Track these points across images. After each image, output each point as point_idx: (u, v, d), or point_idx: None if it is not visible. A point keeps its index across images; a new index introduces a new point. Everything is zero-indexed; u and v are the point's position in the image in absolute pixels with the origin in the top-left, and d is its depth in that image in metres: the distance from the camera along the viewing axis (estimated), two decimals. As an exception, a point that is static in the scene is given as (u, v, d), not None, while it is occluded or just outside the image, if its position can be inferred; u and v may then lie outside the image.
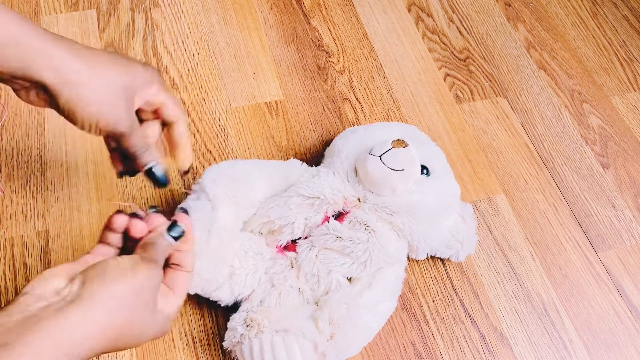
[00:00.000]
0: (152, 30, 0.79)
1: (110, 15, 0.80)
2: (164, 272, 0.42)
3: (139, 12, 0.81)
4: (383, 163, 0.55)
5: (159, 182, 0.48)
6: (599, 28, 0.85)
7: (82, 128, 0.43)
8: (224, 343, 0.52)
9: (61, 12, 0.80)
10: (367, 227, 0.55)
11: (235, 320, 0.51)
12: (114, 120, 0.43)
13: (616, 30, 0.85)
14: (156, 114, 0.48)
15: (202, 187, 0.55)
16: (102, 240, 0.44)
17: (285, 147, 0.70)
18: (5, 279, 0.58)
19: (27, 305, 0.35)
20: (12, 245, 0.60)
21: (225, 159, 0.68)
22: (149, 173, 0.48)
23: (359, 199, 0.57)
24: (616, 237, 0.66)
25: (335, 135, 0.69)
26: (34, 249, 0.60)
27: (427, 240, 0.57)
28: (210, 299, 0.54)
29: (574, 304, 0.61)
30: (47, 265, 0.59)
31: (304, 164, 0.61)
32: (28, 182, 0.65)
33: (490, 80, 0.79)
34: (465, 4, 0.87)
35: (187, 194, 0.57)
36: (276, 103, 0.74)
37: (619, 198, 0.69)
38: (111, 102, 0.43)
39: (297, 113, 0.73)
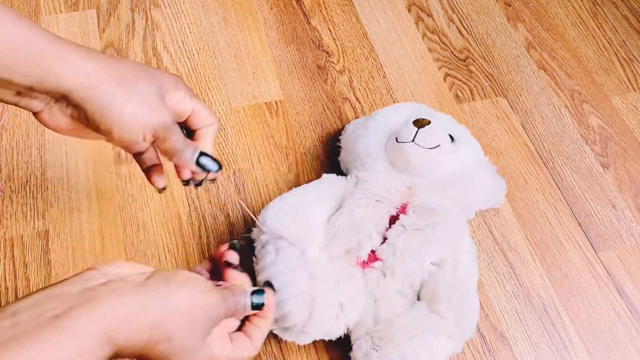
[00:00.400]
0: (152, 30, 0.79)
1: (110, 15, 0.80)
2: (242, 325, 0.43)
3: (139, 12, 0.81)
4: (419, 145, 0.57)
5: (212, 167, 0.45)
6: (599, 28, 0.85)
7: (119, 135, 0.40)
8: None
9: (61, 12, 0.80)
10: (433, 209, 0.56)
11: (362, 348, 0.51)
12: (158, 113, 0.41)
13: (616, 30, 0.85)
14: (186, 123, 0.46)
15: (273, 234, 0.53)
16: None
17: (285, 147, 0.70)
18: (5, 279, 0.58)
19: (90, 280, 0.35)
20: (12, 245, 0.60)
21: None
22: (201, 163, 0.45)
23: (409, 187, 0.57)
24: (616, 237, 0.66)
25: (334, 134, 0.70)
26: (34, 249, 0.60)
27: (477, 199, 0.61)
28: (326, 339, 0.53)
29: (574, 304, 0.61)
30: (47, 265, 0.59)
31: (337, 175, 0.60)
32: (28, 182, 0.65)
33: (490, 80, 0.79)
34: (465, 4, 0.87)
35: (251, 218, 0.55)
36: (276, 103, 0.74)
37: (619, 198, 0.69)
38: (146, 99, 0.41)
39: (297, 113, 0.73)
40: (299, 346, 0.52)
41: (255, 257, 0.53)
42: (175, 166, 0.48)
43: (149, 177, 0.49)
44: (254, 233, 0.55)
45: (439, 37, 0.83)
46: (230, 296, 0.40)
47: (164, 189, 0.50)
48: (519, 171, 0.70)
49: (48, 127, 0.42)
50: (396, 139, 0.58)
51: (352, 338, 0.52)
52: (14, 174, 0.65)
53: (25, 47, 0.37)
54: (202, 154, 0.45)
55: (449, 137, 0.59)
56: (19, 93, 0.39)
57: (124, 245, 0.61)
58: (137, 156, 0.49)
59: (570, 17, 0.87)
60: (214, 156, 0.46)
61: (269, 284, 0.45)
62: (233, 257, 0.45)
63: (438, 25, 0.84)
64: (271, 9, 0.84)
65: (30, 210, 0.63)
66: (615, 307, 0.61)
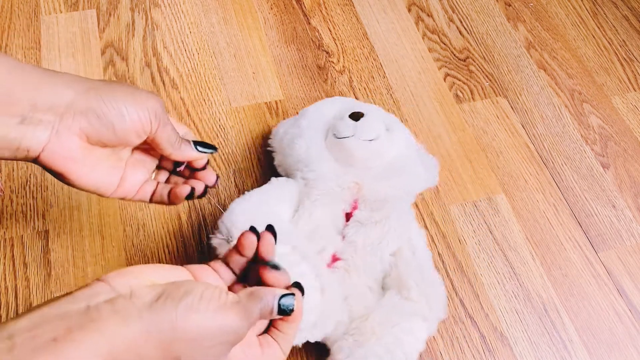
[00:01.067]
0: (152, 30, 0.79)
1: (110, 15, 0.80)
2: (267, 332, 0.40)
3: (139, 12, 0.81)
4: (360, 139, 0.57)
5: (210, 147, 0.48)
6: (599, 28, 0.85)
7: (130, 120, 0.41)
8: None
9: (61, 12, 0.80)
10: (383, 200, 0.56)
11: (344, 348, 0.50)
12: (150, 97, 0.42)
13: (616, 30, 0.85)
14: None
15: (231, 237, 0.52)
16: (226, 260, 0.41)
17: (285, 147, 0.70)
18: (5, 279, 0.58)
19: (96, 294, 0.33)
20: (12, 245, 0.60)
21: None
22: (200, 149, 0.47)
23: (356, 182, 0.58)
24: (616, 237, 0.66)
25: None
26: (34, 249, 0.60)
27: (418, 180, 0.61)
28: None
29: (574, 304, 0.61)
30: (47, 265, 0.59)
31: (286, 178, 0.60)
32: (28, 182, 0.65)
33: (490, 80, 0.79)
34: (465, 4, 0.87)
35: (218, 207, 0.55)
36: (276, 103, 0.74)
37: (619, 198, 0.69)
38: (138, 92, 0.42)
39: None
40: (299, 346, 0.52)
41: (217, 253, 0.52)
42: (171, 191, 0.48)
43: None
44: (215, 240, 0.53)
45: (439, 37, 0.83)
46: (255, 303, 0.36)
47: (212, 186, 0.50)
48: (519, 171, 0.70)
49: (57, 160, 0.40)
50: (334, 135, 0.58)
51: (330, 342, 0.52)
52: (14, 174, 0.65)
53: (23, 74, 0.38)
54: (196, 142, 0.47)
55: (384, 126, 0.60)
56: (22, 121, 0.38)
57: (124, 245, 0.61)
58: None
59: (570, 17, 0.87)
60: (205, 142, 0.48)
61: (298, 285, 0.40)
62: (270, 248, 0.40)
63: (438, 25, 0.84)
64: (271, 9, 0.84)
65: (30, 210, 0.63)
66: (615, 307, 0.61)
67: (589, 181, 0.70)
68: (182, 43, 0.78)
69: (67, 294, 0.33)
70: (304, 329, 0.49)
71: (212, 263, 0.41)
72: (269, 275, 0.39)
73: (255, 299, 0.36)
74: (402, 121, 0.73)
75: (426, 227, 0.65)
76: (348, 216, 0.56)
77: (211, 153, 0.48)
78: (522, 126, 0.74)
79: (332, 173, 0.58)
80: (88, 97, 0.40)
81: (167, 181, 0.50)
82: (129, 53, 0.76)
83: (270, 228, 0.41)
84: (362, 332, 0.50)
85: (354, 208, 0.57)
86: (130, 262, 0.60)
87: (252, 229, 0.41)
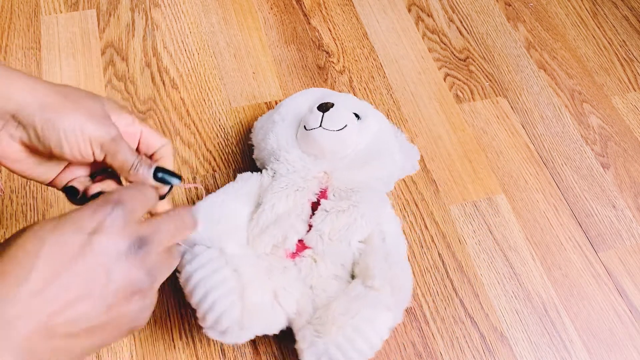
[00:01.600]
0: (152, 30, 0.79)
1: (110, 15, 0.80)
2: None
3: (139, 12, 0.81)
4: (327, 129, 0.57)
5: (172, 181, 0.43)
6: (599, 28, 0.85)
7: (70, 149, 0.39)
8: None
9: (61, 12, 0.80)
10: (352, 189, 0.56)
11: (306, 337, 0.50)
12: (103, 125, 0.40)
13: (616, 30, 0.85)
14: (138, 148, 0.45)
15: (187, 243, 0.52)
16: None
17: (285, 147, 0.70)
18: (5, 279, 0.58)
19: None
20: (12, 245, 0.60)
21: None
22: (159, 179, 0.43)
23: (325, 172, 0.58)
24: (616, 237, 0.66)
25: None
26: (34, 249, 0.60)
27: (394, 167, 0.62)
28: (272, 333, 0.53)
29: (574, 304, 0.61)
30: (47, 265, 0.59)
31: (251, 172, 0.60)
32: (28, 182, 0.65)
33: (490, 80, 0.79)
34: (465, 4, 0.87)
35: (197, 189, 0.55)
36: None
37: (619, 198, 0.69)
38: (92, 113, 0.40)
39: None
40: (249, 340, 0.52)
41: (177, 272, 0.51)
42: None
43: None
44: (181, 249, 0.52)
45: (439, 37, 0.83)
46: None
47: None
48: (519, 171, 0.70)
49: (2, 159, 0.40)
50: (304, 127, 0.59)
51: (295, 330, 0.52)
52: (14, 174, 0.65)
53: None
54: (158, 168, 0.43)
55: (354, 115, 0.60)
56: None
57: (124, 245, 0.61)
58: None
59: (570, 17, 0.87)
60: (172, 170, 0.44)
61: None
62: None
63: (438, 25, 0.84)
64: (271, 9, 0.84)
65: (30, 210, 0.63)
66: (615, 307, 0.61)
67: (589, 181, 0.70)
68: (182, 43, 0.78)
69: None
70: (227, 331, 0.49)
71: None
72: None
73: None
74: (402, 121, 0.73)
75: (426, 227, 0.65)
76: (315, 206, 0.57)
77: (169, 186, 0.44)
78: (522, 126, 0.74)
79: (299, 164, 0.58)
80: (35, 114, 0.38)
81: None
82: (129, 53, 0.76)
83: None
84: (323, 322, 0.50)
85: (322, 197, 0.57)
86: (130, 262, 0.60)
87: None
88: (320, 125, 0.58)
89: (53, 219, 0.33)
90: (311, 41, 0.81)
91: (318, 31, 0.82)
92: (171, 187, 0.44)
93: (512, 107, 0.76)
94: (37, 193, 0.64)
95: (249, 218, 0.56)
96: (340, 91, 0.75)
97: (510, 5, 0.87)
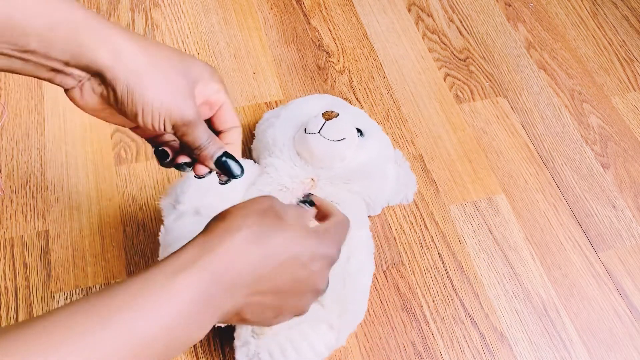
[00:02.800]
0: (152, 30, 0.79)
1: (110, 15, 0.80)
2: None
3: (139, 12, 0.81)
4: (325, 138, 0.57)
5: (235, 170, 0.43)
6: (599, 28, 0.85)
7: (144, 120, 0.39)
8: None
9: (61, 12, 0.80)
10: (332, 202, 0.55)
11: (242, 335, 0.50)
12: (180, 107, 0.39)
13: (616, 30, 0.85)
14: (212, 120, 0.44)
15: (193, 207, 0.53)
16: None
17: (285, 147, 0.70)
18: (5, 279, 0.58)
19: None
20: (12, 245, 0.60)
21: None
22: (222, 164, 0.42)
23: (312, 179, 0.58)
24: (616, 237, 0.66)
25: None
26: (34, 249, 0.60)
27: (381, 194, 0.61)
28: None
29: (574, 304, 0.61)
30: (47, 265, 0.59)
31: (252, 161, 0.61)
32: (28, 182, 0.65)
33: (490, 80, 0.79)
34: (465, 4, 0.87)
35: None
36: (276, 103, 0.74)
37: (619, 198, 0.69)
38: (174, 89, 0.39)
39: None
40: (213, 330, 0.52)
41: (165, 227, 0.52)
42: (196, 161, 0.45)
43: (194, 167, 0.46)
44: (163, 202, 0.55)
45: (439, 37, 0.83)
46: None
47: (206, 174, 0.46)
48: (519, 171, 0.70)
49: (77, 104, 0.41)
50: (305, 129, 0.58)
51: (236, 328, 0.52)
52: (14, 174, 0.65)
53: (66, 23, 0.37)
54: (225, 154, 0.42)
55: (356, 130, 0.59)
56: (53, 69, 0.39)
57: (124, 245, 0.61)
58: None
59: (570, 17, 0.87)
60: (238, 160, 0.43)
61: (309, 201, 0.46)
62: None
63: (438, 25, 0.84)
64: (271, 9, 0.84)
65: (30, 210, 0.63)
66: (615, 307, 0.61)
67: (589, 181, 0.70)
68: (182, 43, 0.78)
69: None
70: None
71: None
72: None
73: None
74: (402, 121, 0.73)
75: (426, 227, 0.65)
76: None
77: (226, 179, 0.44)
78: (522, 126, 0.74)
79: (289, 165, 0.58)
80: (119, 79, 0.38)
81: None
82: (129, 53, 0.76)
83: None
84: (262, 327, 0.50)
85: None
86: (130, 262, 0.60)
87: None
88: (319, 132, 0.57)
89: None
90: (311, 41, 0.81)
91: (318, 31, 0.82)
92: (230, 178, 0.43)
93: (512, 107, 0.76)
94: (37, 193, 0.64)
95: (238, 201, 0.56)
96: (340, 91, 0.75)
97: (510, 5, 0.87)
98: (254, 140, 0.65)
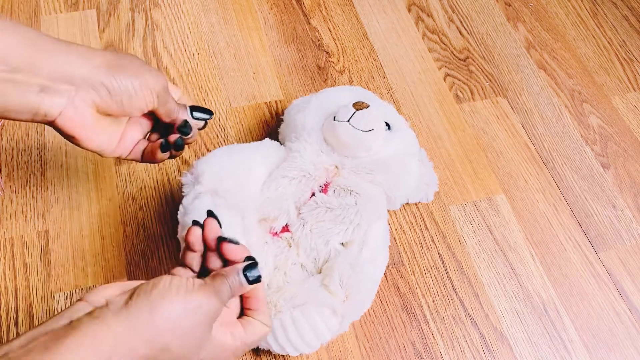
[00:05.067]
0: (152, 30, 0.79)
1: (110, 15, 0.80)
2: (240, 323, 0.42)
3: (139, 12, 0.81)
4: (353, 127, 0.58)
5: (206, 113, 0.52)
6: (599, 28, 0.85)
7: (137, 99, 0.45)
8: None
9: (61, 12, 0.80)
10: (352, 191, 0.57)
11: None
12: (158, 80, 0.46)
13: (616, 30, 0.85)
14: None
15: (210, 188, 0.54)
16: (183, 261, 0.44)
17: (285, 147, 0.70)
18: (5, 279, 0.58)
19: (76, 311, 0.36)
20: (12, 245, 0.60)
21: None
22: (195, 115, 0.51)
23: (336, 166, 0.59)
24: (616, 237, 0.66)
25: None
26: (34, 249, 0.60)
27: (403, 189, 0.61)
28: None
29: (574, 304, 0.61)
30: (47, 265, 0.59)
31: (278, 142, 0.62)
32: (28, 182, 0.65)
33: (490, 80, 0.79)
34: (465, 4, 0.87)
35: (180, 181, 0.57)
36: (276, 103, 0.74)
37: (619, 198, 0.69)
38: (143, 67, 0.46)
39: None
40: None
41: (184, 206, 0.54)
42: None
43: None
44: (185, 179, 0.56)
45: (439, 37, 0.83)
46: (223, 282, 0.39)
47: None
48: (519, 171, 0.70)
49: (71, 125, 0.44)
50: (334, 117, 0.59)
51: None
52: (14, 174, 0.65)
53: (45, 46, 0.42)
54: (193, 107, 0.51)
55: (384, 124, 0.60)
56: (42, 89, 0.42)
57: (124, 245, 0.61)
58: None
59: (570, 17, 0.87)
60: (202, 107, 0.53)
61: (251, 258, 0.43)
62: (215, 232, 0.43)
63: (438, 25, 0.84)
64: (271, 9, 0.84)
65: (30, 210, 0.63)
66: (615, 307, 0.61)
67: (589, 181, 0.70)
68: (182, 43, 0.78)
69: (51, 317, 0.36)
70: None
71: (172, 270, 0.44)
72: (227, 248, 0.42)
73: (220, 278, 0.40)
74: (402, 121, 0.73)
75: (426, 227, 0.65)
76: (313, 195, 0.57)
77: (207, 119, 0.53)
78: (522, 126, 0.74)
79: (315, 150, 0.59)
80: (101, 72, 0.43)
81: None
82: (129, 53, 0.76)
83: (210, 214, 0.44)
84: (267, 302, 0.50)
85: (324, 191, 0.58)
86: (130, 262, 0.60)
87: (195, 222, 0.43)
88: (348, 121, 0.58)
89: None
90: (311, 41, 0.81)
91: (318, 31, 0.82)
92: (206, 121, 0.53)
93: (512, 107, 0.76)
94: (37, 193, 0.64)
95: (262, 184, 0.57)
96: (340, 91, 0.75)
97: (510, 5, 0.87)
98: (282, 124, 0.66)
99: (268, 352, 0.56)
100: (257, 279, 0.41)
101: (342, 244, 0.56)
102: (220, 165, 0.56)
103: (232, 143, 0.70)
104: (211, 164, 0.56)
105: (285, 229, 0.56)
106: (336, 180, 0.58)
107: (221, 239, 0.42)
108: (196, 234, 0.43)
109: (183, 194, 0.55)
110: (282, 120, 0.66)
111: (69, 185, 0.65)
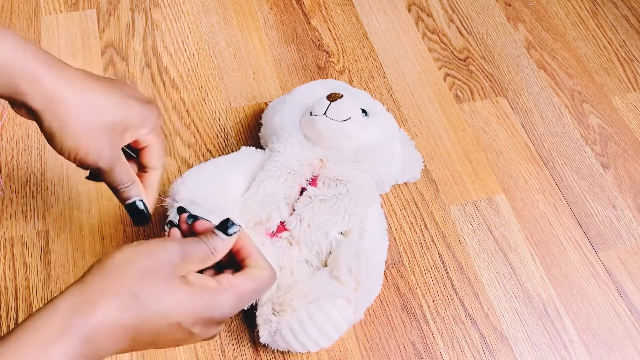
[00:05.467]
0: (152, 30, 0.79)
1: (110, 15, 0.80)
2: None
3: (139, 12, 0.81)
4: (330, 118, 0.58)
5: (142, 217, 0.47)
6: (599, 28, 0.85)
7: (62, 154, 0.42)
8: (261, 339, 0.52)
9: (61, 12, 0.80)
10: (341, 181, 0.57)
11: (264, 313, 0.52)
12: (95, 154, 0.42)
13: (616, 30, 0.85)
14: (140, 155, 0.48)
15: (188, 200, 0.54)
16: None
17: (285, 147, 0.70)
18: (5, 279, 0.58)
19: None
20: (12, 245, 0.60)
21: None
22: (131, 207, 0.46)
23: (321, 160, 0.59)
24: (616, 237, 0.66)
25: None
26: (34, 249, 0.60)
27: (389, 172, 0.63)
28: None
29: (574, 304, 0.61)
30: (47, 265, 0.59)
31: (255, 148, 0.62)
32: (28, 182, 0.65)
33: (490, 80, 0.79)
34: (465, 4, 0.87)
35: (162, 206, 0.56)
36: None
37: (619, 198, 0.69)
38: (95, 136, 0.42)
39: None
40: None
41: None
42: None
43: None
44: (167, 204, 0.56)
45: (439, 37, 0.83)
46: (195, 240, 0.39)
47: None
48: (519, 171, 0.70)
49: (16, 113, 0.43)
50: (310, 112, 0.60)
51: (258, 306, 0.53)
52: (14, 174, 0.65)
53: (2, 66, 0.39)
54: (128, 205, 0.46)
55: (360, 111, 0.60)
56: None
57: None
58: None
59: (570, 17, 0.87)
60: (148, 206, 0.47)
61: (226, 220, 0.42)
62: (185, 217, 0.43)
63: (438, 25, 0.84)
64: (271, 9, 0.84)
65: (30, 210, 0.63)
66: (615, 307, 0.61)
67: (589, 181, 0.70)
68: (182, 43, 0.78)
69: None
70: None
71: None
72: (198, 223, 0.41)
73: (193, 238, 0.39)
74: (402, 121, 0.73)
75: (426, 227, 0.65)
76: (303, 191, 0.58)
77: (134, 220, 0.47)
78: (522, 126, 0.74)
79: (297, 148, 0.59)
80: (47, 123, 0.41)
81: None
82: (129, 53, 0.76)
83: (181, 210, 0.43)
84: (281, 302, 0.51)
85: (312, 184, 0.58)
86: (130, 262, 0.60)
87: (170, 223, 0.43)
88: (325, 114, 0.58)
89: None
90: (311, 41, 0.81)
91: (318, 31, 0.82)
92: (141, 223, 0.47)
93: (512, 107, 0.76)
94: (37, 193, 0.64)
95: (243, 193, 0.57)
96: (340, 91, 0.75)
97: (510, 5, 0.87)
98: (262, 128, 0.66)
99: (269, 351, 0.56)
100: (234, 228, 0.40)
101: (341, 233, 0.56)
102: (193, 180, 0.56)
103: (232, 143, 0.70)
104: (185, 181, 0.56)
105: (283, 228, 0.56)
106: (323, 172, 0.59)
107: (192, 218, 0.42)
108: (175, 234, 0.42)
109: (167, 215, 0.56)
110: (262, 124, 0.67)
111: (69, 185, 0.65)
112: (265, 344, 0.53)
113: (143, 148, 0.47)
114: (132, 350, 0.37)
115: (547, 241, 0.65)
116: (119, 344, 0.35)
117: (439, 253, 0.63)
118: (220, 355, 0.55)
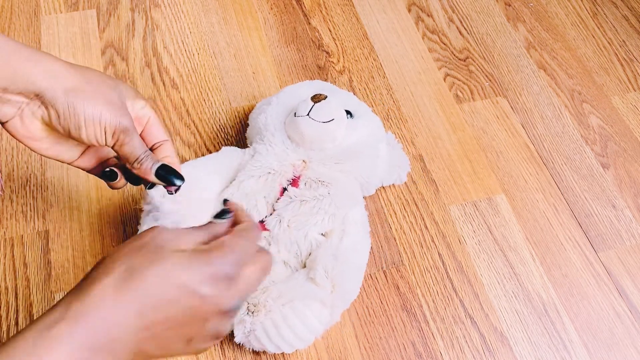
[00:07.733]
0: (152, 30, 0.79)
1: (110, 15, 0.80)
2: None
3: (139, 12, 0.81)
4: (313, 119, 0.58)
5: (173, 179, 0.46)
6: (599, 28, 0.85)
7: (87, 132, 0.42)
8: (236, 339, 0.52)
9: (61, 12, 0.80)
10: (323, 182, 0.57)
11: (238, 314, 0.52)
12: (117, 116, 0.42)
13: (616, 30, 0.85)
14: (142, 135, 0.47)
15: (153, 205, 0.54)
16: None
17: (285, 147, 0.70)
18: (5, 279, 0.58)
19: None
20: (12, 245, 0.60)
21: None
22: (161, 175, 0.45)
23: (303, 161, 0.59)
24: (616, 237, 0.66)
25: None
26: (34, 249, 0.60)
27: (374, 174, 0.62)
28: None
29: (574, 304, 0.61)
30: (47, 265, 0.59)
31: (237, 147, 0.62)
32: (28, 182, 0.65)
33: (490, 80, 0.79)
34: (465, 4, 0.87)
35: (140, 210, 0.56)
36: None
37: (619, 198, 0.69)
38: (110, 102, 0.42)
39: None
40: None
41: (140, 224, 0.55)
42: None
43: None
44: (145, 207, 0.56)
45: (439, 37, 0.83)
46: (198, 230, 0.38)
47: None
48: (519, 171, 0.70)
49: (17, 135, 0.43)
50: (294, 113, 0.59)
51: None
52: (14, 174, 0.65)
53: (8, 53, 0.39)
54: (163, 165, 0.45)
55: (345, 112, 0.60)
56: None
57: (124, 245, 0.61)
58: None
59: (570, 17, 0.87)
60: (177, 170, 0.46)
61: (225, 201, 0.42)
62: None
63: (438, 25, 0.84)
64: (271, 9, 0.84)
65: (30, 210, 0.63)
66: (615, 307, 0.61)
67: (589, 181, 0.70)
68: (182, 43, 0.78)
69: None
70: None
71: None
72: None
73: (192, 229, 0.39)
74: (402, 121, 0.73)
75: (426, 227, 0.65)
76: (284, 191, 0.58)
77: (166, 185, 0.46)
78: (522, 126, 0.74)
79: (280, 148, 0.59)
80: (58, 97, 0.41)
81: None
82: (129, 53, 0.76)
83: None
84: (256, 303, 0.51)
85: (294, 185, 0.58)
86: (130, 262, 0.60)
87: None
88: (308, 115, 0.58)
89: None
90: (311, 41, 0.81)
91: (318, 31, 0.82)
92: (178, 187, 0.46)
93: (512, 107, 0.76)
94: (37, 193, 0.64)
95: (220, 190, 0.57)
96: (340, 91, 0.75)
97: (510, 5, 0.87)
98: (248, 128, 0.66)
99: (269, 353, 0.56)
100: (228, 215, 0.40)
101: (322, 235, 0.56)
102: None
103: (232, 143, 0.70)
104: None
105: (262, 227, 0.56)
106: (306, 173, 0.58)
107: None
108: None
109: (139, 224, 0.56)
110: (248, 124, 0.67)
111: (69, 185, 0.65)
112: (240, 343, 0.53)
113: (145, 126, 0.47)
114: (149, 347, 0.34)
115: (547, 241, 0.65)
116: (126, 338, 0.32)
117: (439, 253, 0.63)
118: (221, 355, 0.55)
